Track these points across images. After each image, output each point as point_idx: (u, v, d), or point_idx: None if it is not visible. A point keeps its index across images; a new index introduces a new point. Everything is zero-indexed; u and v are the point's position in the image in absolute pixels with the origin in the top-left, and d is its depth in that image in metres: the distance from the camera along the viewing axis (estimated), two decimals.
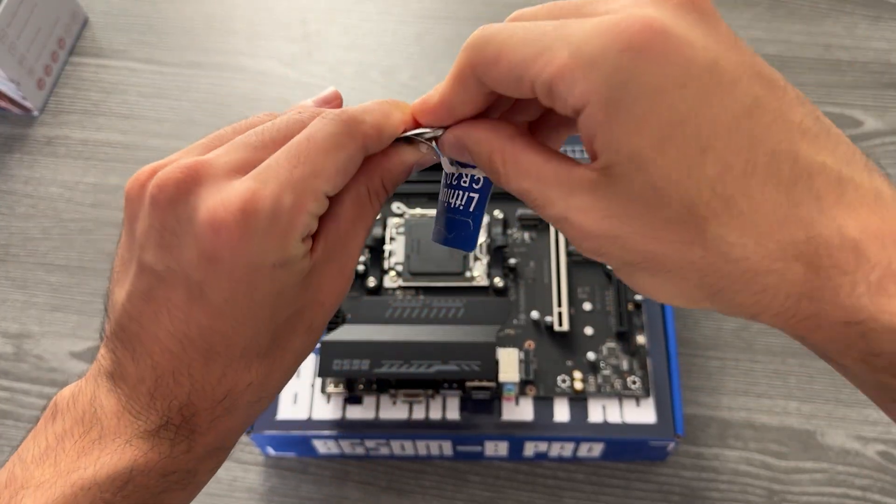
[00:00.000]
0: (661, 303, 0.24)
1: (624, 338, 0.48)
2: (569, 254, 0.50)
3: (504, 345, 0.47)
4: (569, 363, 0.47)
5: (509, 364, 0.46)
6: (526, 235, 0.52)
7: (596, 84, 0.20)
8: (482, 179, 0.27)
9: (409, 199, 0.53)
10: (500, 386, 0.46)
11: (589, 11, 0.21)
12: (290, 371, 0.27)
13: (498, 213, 0.52)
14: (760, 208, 0.20)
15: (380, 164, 0.27)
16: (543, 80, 0.21)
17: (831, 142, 0.21)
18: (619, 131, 0.20)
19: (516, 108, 0.26)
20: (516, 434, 0.46)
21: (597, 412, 0.46)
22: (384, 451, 0.49)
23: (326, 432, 0.46)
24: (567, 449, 0.48)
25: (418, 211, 0.52)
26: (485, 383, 0.45)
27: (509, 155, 0.23)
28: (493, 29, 0.23)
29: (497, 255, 0.50)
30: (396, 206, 0.53)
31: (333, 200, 0.26)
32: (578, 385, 0.46)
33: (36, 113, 0.66)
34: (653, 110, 0.20)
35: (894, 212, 0.20)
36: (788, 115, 0.21)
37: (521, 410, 0.46)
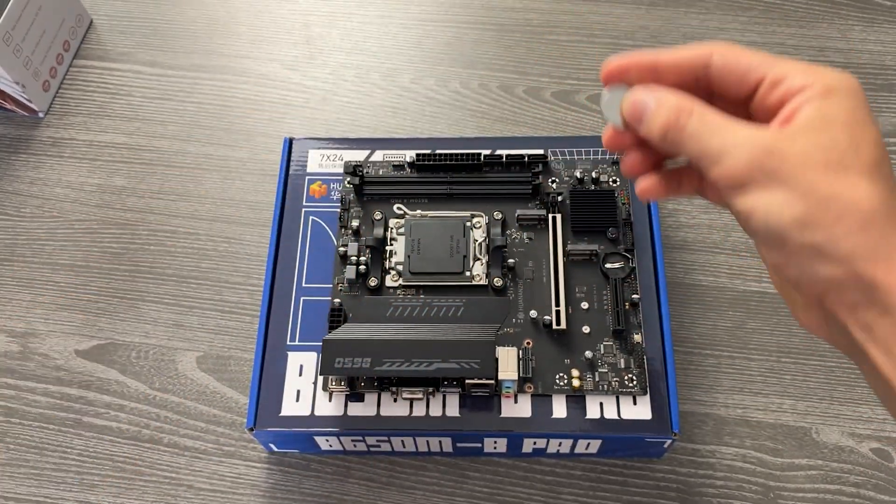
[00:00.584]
0: (769, 230, 0.28)
1: (621, 336, 0.48)
2: (566, 254, 0.51)
3: (503, 343, 0.48)
4: (567, 361, 0.48)
5: (508, 362, 0.46)
6: (525, 236, 0.52)
7: (822, 81, 0.28)
8: None
9: (410, 200, 0.54)
10: (499, 384, 0.46)
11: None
12: None
13: (497, 214, 0.52)
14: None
15: None
16: (774, 75, 0.29)
17: None
18: (831, 106, 0.28)
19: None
20: (515, 431, 0.47)
21: (594, 409, 0.47)
22: (385, 447, 0.50)
23: (328, 429, 0.47)
24: (565, 446, 0.48)
25: (419, 212, 0.53)
26: (484, 381, 0.46)
27: (704, 111, 0.30)
28: (734, 46, 0.31)
29: (496, 255, 0.51)
30: (397, 207, 0.53)
31: None
32: (576, 383, 0.47)
33: (41, 115, 0.67)
34: (854, 109, 0.28)
35: None
36: None
37: (519, 408, 0.47)
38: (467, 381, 0.46)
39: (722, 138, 0.29)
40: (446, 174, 0.54)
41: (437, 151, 0.54)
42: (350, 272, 0.50)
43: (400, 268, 0.51)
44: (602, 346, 0.48)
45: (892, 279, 0.27)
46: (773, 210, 0.28)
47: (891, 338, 0.27)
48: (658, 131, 0.30)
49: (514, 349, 0.47)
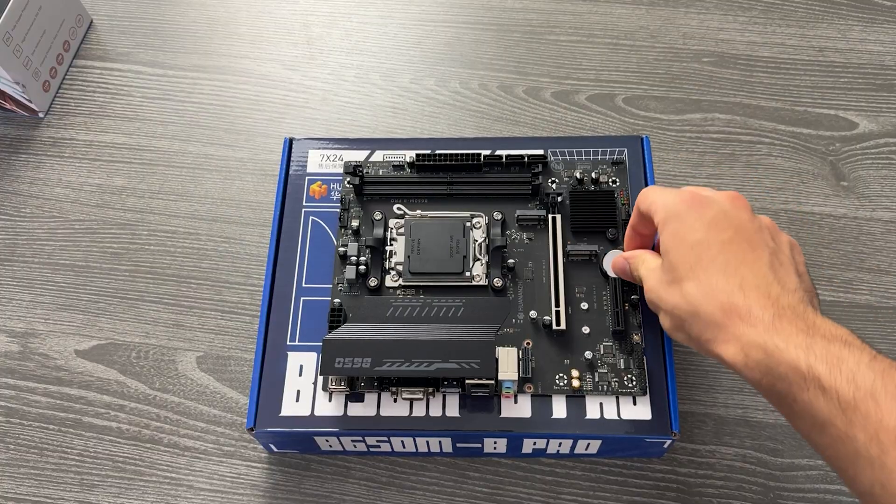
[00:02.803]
0: (671, 337, 0.42)
1: (620, 336, 0.49)
2: (566, 254, 0.51)
3: (503, 343, 0.48)
4: (566, 362, 0.48)
5: (508, 362, 0.46)
6: (524, 236, 0.52)
7: (661, 214, 0.41)
8: None
9: (410, 200, 0.54)
10: (498, 384, 0.46)
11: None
12: None
13: (497, 215, 0.52)
14: (709, 281, 0.38)
15: None
16: (650, 213, 0.43)
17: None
18: (663, 237, 0.41)
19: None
20: (515, 431, 0.47)
21: (594, 410, 0.47)
22: (385, 447, 0.50)
23: (328, 429, 0.47)
24: (565, 446, 0.48)
25: (419, 212, 0.53)
26: (484, 381, 0.46)
27: (641, 261, 0.45)
28: (652, 187, 0.45)
29: (496, 255, 0.51)
30: (397, 208, 0.53)
31: None
32: (576, 383, 0.47)
33: (41, 115, 0.67)
34: (675, 231, 0.40)
35: (785, 307, 0.37)
36: (744, 250, 0.39)
37: (519, 408, 0.47)
38: (467, 381, 0.46)
39: (644, 282, 0.43)
40: (446, 174, 0.54)
41: (437, 151, 0.54)
42: (350, 272, 0.50)
43: (400, 268, 0.51)
44: (602, 346, 0.48)
45: (726, 352, 0.37)
46: (661, 323, 0.42)
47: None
48: (630, 276, 0.47)
49: (514, 349, 0.47)
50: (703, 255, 0.38)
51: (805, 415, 0.34)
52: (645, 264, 0.44)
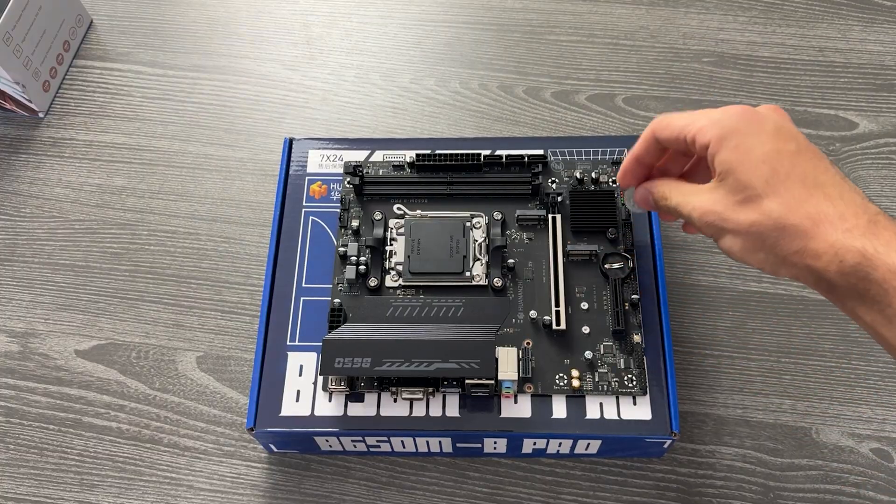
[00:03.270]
0: (738, 260, 0.39)
1: (620, 336, 0.49)
2: (566, 254, 0.51)
3: (503, 343, 0.48)
4: (566, 361, 0.48)
5: (508, 362, 0.46)
6: (524, 236, 0.52)
7: (715, 131, 0.39)
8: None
9: (410, 200, 0.54)
10: (498, 384, 0.46)
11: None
12: None
13: (497, 215, 0.52)
14: (791, 193, 0.37)
15: None
16: (691, 135, 0.40)
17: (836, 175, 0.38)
18: (723, 155, 0.38)
19: (673, 161, 0.44)
20: (515, 431, 0.47)
21: (594, 410, 0.47)
22: (385, 447, 0.50)
23: (328, 429, 0.47)
24: (565, 446, 0.48)
25: (419, 212, 0.53)
26: (484, 381, 0.46)
27: (674, 188, 0.42)
28: (665, 114, 0.42)
29: (496, 255, 0.51)
30: (397, 208, 0.53)
31: None
32: (576, 383, 0.47)
33: (41, 115, 0.67)
34: (738, 145, 0.38)
35: (874, 213, 0.36)
36: (812, 159, 0.38)
37: (519, 408, 0.47)
38: (467, 381, 0.46)
39: (687, 207, 0.41)
40: (446, 174, 0.54)
41: (437, 151, 0.54)
42: (350, 272, 0.50)
43: (400, 268, 0.51)
44: (602, 346, 0.48)
45: (818, 261, 0.36)
46: (727, 247, 0.39)
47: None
48: (656, 206, 0.44)
49: (514, 349, 0.47)
50: (777, 168, 0.37)
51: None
52: (679, 191, 0.41)
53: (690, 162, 0.45)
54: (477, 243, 0.51)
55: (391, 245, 0.52)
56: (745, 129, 0.38)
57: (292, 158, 0.56)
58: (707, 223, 0.39)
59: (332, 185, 0.55)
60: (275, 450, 0.51)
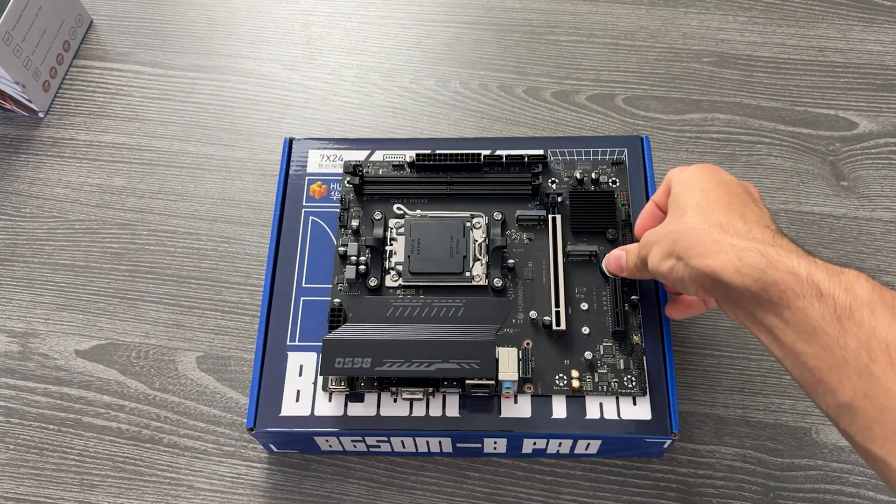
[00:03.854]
0: (655, 273, 0.42)
1: (620, 337, 0.49)
2: (566, 254, 0.51)
3: (503, 344, 0.48)
4: (566, 362, 0.48)
5: (508, 362, 0.46)
6: (524, 236, 0.52)
7: (680, 175, 0.44)
8: None
9: (410, 200, 0.54)
10: (498, 384, 0.46)
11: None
12: None
13: (497, 215, 0.52)
14: (712, 210, 0.40)
15: None
16: (669, 179, 0.46)
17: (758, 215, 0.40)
18: (675, 188, 0.43)
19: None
20: (515, 431, 0.47)
21: (594, 410, 0.47)
22: (385, 447, 0.50)
23: (328, 429, 0.47)
24: (565, 446, 0.48)
25: (419, 212, 0.53)
26: (484, 381, 0.46)
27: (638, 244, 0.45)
28: (677, 169, 0.46)
29: (496, 255, 0.51)
30: (397, 207, 0.53)
31: None
32: (576, 383, 0.47)
33: (41, 115, 0.67)
34: (689, 181, 0.43)
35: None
36: (749, 201, 0.41)
37: (519, 408, 0.47)
38: (467, 381, 0.46)
39: (643, 247, 0.43)
40: (446, 174, 0.54)
41: (437, 151, 0.54)
42: (350, 272, 0.50)
43: (400, 268, 0.51)
44: (602, 346, 0.48)
45: (717, 260, 0.37)
46: (651, 260, 0.42)
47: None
48: (625, 263, 0.47)
49: (514, 349, 0.47)
50: (710, 196, 0.41)
51: (795, 322, 0.34)
52: (642, 242, 0.45)
53: None
54: (477, 243, 0.51)
55: (391, 245, 0.52)
56: (700, 173, 0.43)
57: (292, 158, 0.56)
58: (643, 242, 0.43)
59: (332, 185, 0.55)
60: (275, 450, 0.51)
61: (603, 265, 0.50)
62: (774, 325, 0.35)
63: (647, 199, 0.53)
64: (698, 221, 0.40)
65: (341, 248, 0.52)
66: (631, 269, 0.46)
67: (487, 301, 0.49)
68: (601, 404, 0.47)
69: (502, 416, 0.47)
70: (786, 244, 0.37)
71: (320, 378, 0.48)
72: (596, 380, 0.47)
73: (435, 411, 0.47)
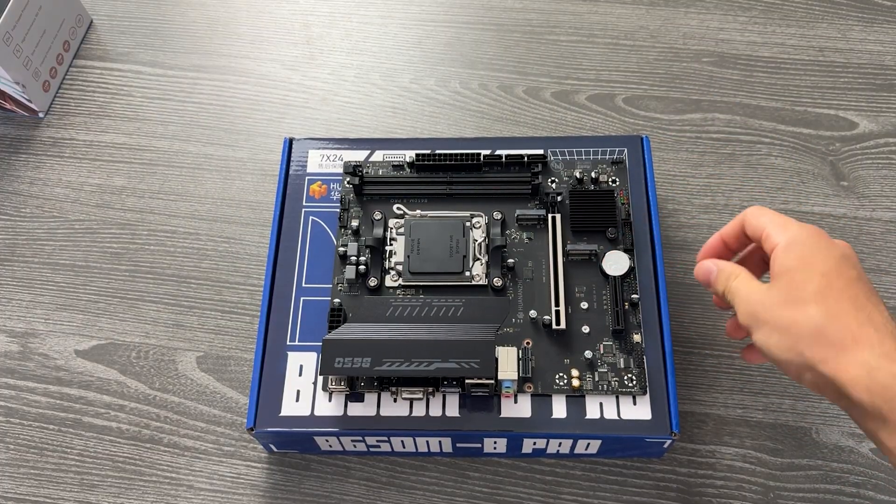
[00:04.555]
0: (767, 355, 0.40)
1: (620, 336, 0.49)
2: (566, 254, 0.51)
3: (502, 343, 0.48)
4: (566, 361, 0.48)
5: (508, 362, 0.46)
6: (524, 236, 0.52)
7: (786, 237, 0.41)
8: None
9: (410, 200, 0.54)
10: (498, 383, 0.46)
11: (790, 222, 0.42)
12: None
13: (497, 215, 0.52)
14: (839, 306, 0.38)
15: None
16: (767, 232, 0.42)
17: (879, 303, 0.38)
18: (784, 259, 0.40)
19: (747, 262, 0.46)
20: (515, 431, 0.47)
21: (594, 409, 0.47)
22: (385, 447, 0.50)
23: (328, 429, 0.47)
24: (565, 446, 0.48)
25: (418, 212, 0.53)
26: (484, 381, 0.46)
27: (740, 272, 0.43)
28: (757, 208, 0.44)
29: (496, 254, 0.51)
30: (397, 208, 0.53)
31: None
32: (576, 383, 0.47)
33: (41, 115, 0.67)
34: (802, 255, 0.40)
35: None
36: (868, 291, 0.39)
37: (519, 408, 0.47)
38: (467, 380, 0.46)
39: (739, 292, 0.42)
40: (446, 174, 0.54)
41: (437, 151, 0.54)
42: (350, 272, 0.50)
43: (400, 268, 0.51)
44: (602, 345, 0.48)
45: (846, 372, 0.36)
46: (762, 340, 0.40)
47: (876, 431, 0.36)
48: (713, 282, 0.44)
49: (514, 349, 0.47)
50: (833, 284, 0.38)
51: None
52: (740, 279, 0.42)
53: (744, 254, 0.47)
54: (477, 243, 0.51)
55: (391, 245, 0.52)
56: (813, 245, 0.40)
57: (292, 158, 0.56)
58: (749, 312, 0.41)
59: (332, 185, 0.55)
60: (275, 450, 0.51)
61: (604, 265, 0.50)
62: None
63: (647, 198, 0.53)
64: (824, 319, 0.37)
65: (341, 248, 0.52)
66: (718, 299, 0.45)
67: (487, 300, 0.49)
68: (601, 404, 0.47)
69: (502, 415, 0.47)
70: None
71: (320, 378, 0.48)
72: (596, 379, 0.47)
73: (435, 411, 0.47)
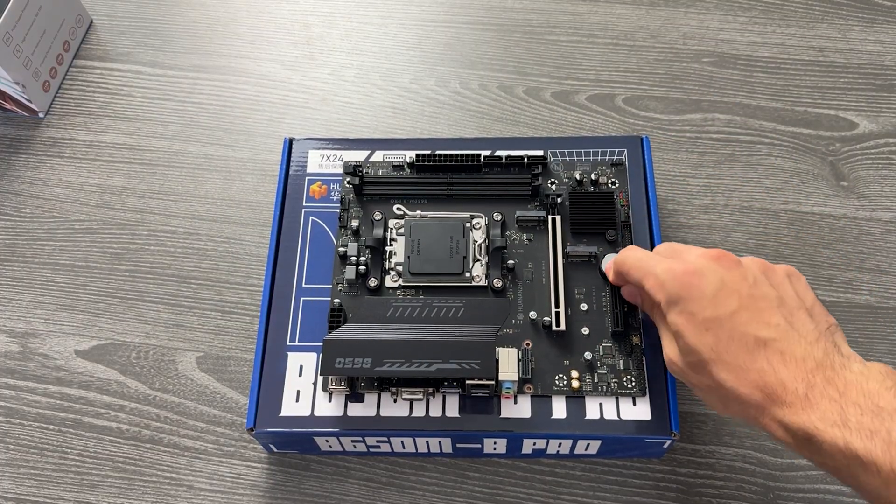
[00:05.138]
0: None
1: (620, 337, 0.49)
2: (566, 255, 0.51)
3: (503, 344, 0.48)
4: (566, 362, 0.48)
5: (508, 363, 0.46)
6: (524, 237, 0.52)
7: (662, 295, 0.41)
8: None
9: (410, 200, 0.54)
10: (498, 384, 0.46)
11: (677, 256, 0.42)
12: None
13: (497, 216, 0.53)
14: (736, 361, 0.38)
15: None
16: (646, 288, 0.42)
17: (787, 329, 0.38)
18: (671, 318, 0.40)
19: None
20: (515, 431, 0.47)
21: (594, 410, 0.47)
22: (385, 448, 0.50)
23: (328, 429, 0.47)
24: (565, 446, 0.48)
25: (418, 212, 0.53)
26: (484, 381, 0.46)
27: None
28: (628, 252, 0.45)
29: (496, 255, 0.51)
30: (397, 208, 0.53)
31: None
32: (575, 384, 0.47)
33: (41, 115, 0.67)
34: (682, 311, 0.40)
35: (813, 367, 0.37)
36: (753, 315, 0.38)
37: (519, 408, 0.47)
38: (467, 381, 0.46)
39: (670, 352, 0.42)
40: (446, 175, 0.54)
41: (437, 152, 0.54)
42: (350, 272, 0.50)
43: (400, 268, 0.51)
44: (601, 347, 0.48)
45: (776, 432, 0.37)
46: (700, 396, 0.42)
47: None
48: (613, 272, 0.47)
49: (514, 350, 0.47)
50: (719, 335, 0.38)
51: (858, 489, 0.35)
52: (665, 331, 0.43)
53: None
54: (477, 244, 0.51)
55: (391, 245, 0.52)
56: (686, 295, 0.39)
57: (292, 158, 0.56)
58: (673, 373, 0.42)
59: (332, 185, 0.55)
60: (275, 450, 0.51)
61: (603, 267, 0.50)
62: (855, 487, 0.36)
63: (647, 199, 0.53)
64: (731, 381, 0.38)
65: (341, 249, 0.52)
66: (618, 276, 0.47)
67: (487, 301, 0.49)
68: (601, 405, 0.47)
69: (502, 416, 0.47)
70: (818, 397, 0.36)
71: (320, 378, 0.48)
72: (595, 380, 0.47)
73: (435, 411, 0.47)
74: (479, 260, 0.51)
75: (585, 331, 0.49)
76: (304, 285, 0.51)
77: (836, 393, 0.35)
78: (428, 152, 0.54)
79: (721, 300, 0.39)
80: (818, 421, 0.35)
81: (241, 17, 0.72)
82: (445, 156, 0.54)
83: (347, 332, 0.46)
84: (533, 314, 0.49)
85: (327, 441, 0.49)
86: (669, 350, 0.42)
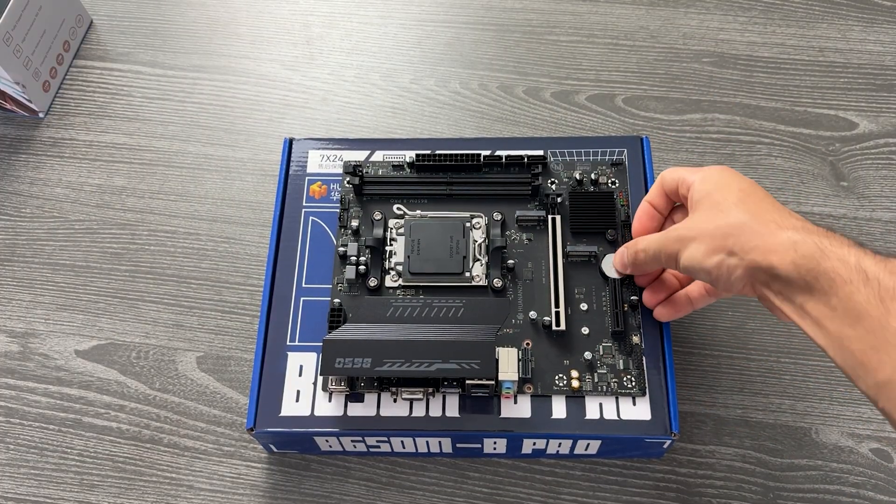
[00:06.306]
0: (692, 270, 0.42)
1: (620, 337, 0.49)
2: (566, 255, 0.51)
3: (503, 344, 0.48)
4: (566, 362, 0.48)
5: (508, 363, 0.46)
6: (524, 237, 0.52)
7: (700, 174, 0.44)
8: None
9: (409, 200, 0.54)
10: (498, 384, 0.46)
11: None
12: None
13: (497, 215, 0.52)
14: (759, 207, 0.41)
15: None
16: (683, 177, 0.45)
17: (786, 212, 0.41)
18: (702, 185, 0.43)
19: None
20: (515, 431, 0.47)
21: (594, 410, 0.47)
22: (385, 447, 0.50)
23: (328, 429, 0.47)
24: (564, 446, 0.48)
25: (418, 212, 0.53)
26: (484, 381, 0.46)
27: (651, 237, 0.46)
28: (671, 168, 0.47)
29: (496, 255, 0.51)
30: (397, 208, 0.53)
31: None
32: (575, 383, 0.47)
33: (41, 115, 0.67)
34: (718, 181, 0.43)
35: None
36: (780, 206, 0.41)
37: (519, 408, 0.47)
38: (467, 381, 0.46)
39: (662, 238, 0.44)
40: (446, 174, 0.54)
41: (437, 152, 0.54)
42: (350, 272, 0.50)
43: (400, 268, 0.51)
44: (601, 347, 0.48)
45: (774, 253, 0.38)
46: (689, 255, 0.41)
47: (817, 312, 0.37)
48: (634, 260, 0.47)
49: (514, 350, 0.47)
50: (750, 195, 0.41)
51: (842, 309, 0.36)
52: (646, 237, 0.45)
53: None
54: (477, 244, 0.51)
55: (391, 245, 0.52)
56: (726, 174, 0.43)
57: (292, 158, 0.56)
58: (675, 237, 0.43)
59: (332, 185, 0.55)
60: (275, 450, 0.51)
61: (605, 268, 0.50)
62: (822, 314, 0.37)
63: None
64: (748, 217, 0.40)
65: (341, 249, 0.52)
66: (642, 262, 0.46)
67: (487, 301, 0.49)
68: (601, 404, 0.47)
69: (502, 416, 0.47)
70: (838, 237, 0.38)
71: (320, 378, 0.48)
72: (595, 380, 0.47)
73: (435, 411, 0.47)
74: (479, 260, 0.51)
75: (585, 330, 0.49)
76: (304, 285, 0.51)
77: (844, 239, 0.38)
78: (428, 152, 0.54)
79: (756, 187, 0.43)
80: (833, 243, 0.37)
81: (241, 17, 0.72)
82: (445, 156, 0.54)
83: (347, 332, 0.46)
84: (533, 314, 0.49)
85: (327, 441, 0.49)
86: (681, 223, 0.44)
